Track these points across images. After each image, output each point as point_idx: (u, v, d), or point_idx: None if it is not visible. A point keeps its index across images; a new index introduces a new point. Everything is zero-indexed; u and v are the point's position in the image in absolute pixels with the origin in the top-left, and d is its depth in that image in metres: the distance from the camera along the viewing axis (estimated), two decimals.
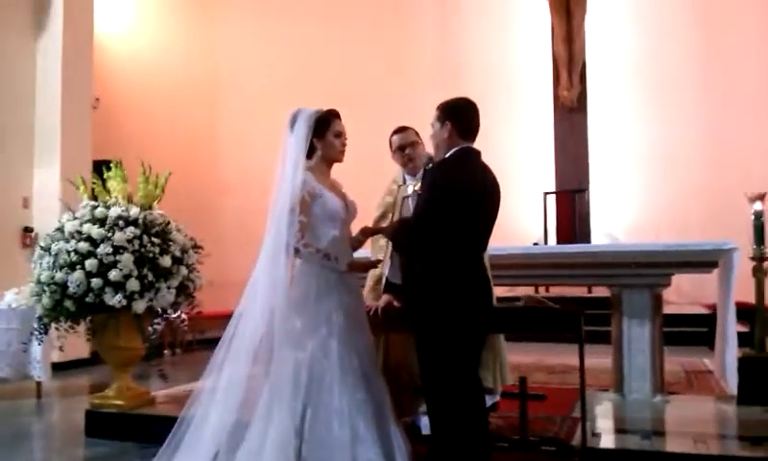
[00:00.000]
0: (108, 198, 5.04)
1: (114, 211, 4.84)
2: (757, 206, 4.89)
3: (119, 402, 4.95)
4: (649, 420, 4.56)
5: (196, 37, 10.57)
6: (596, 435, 4.09)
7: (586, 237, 9.44)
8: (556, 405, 4.50)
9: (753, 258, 4.81)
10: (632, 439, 4.10)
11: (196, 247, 5.18)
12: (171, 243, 4.96)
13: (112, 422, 4.89)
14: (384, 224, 4.16)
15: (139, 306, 4.76)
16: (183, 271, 5.00)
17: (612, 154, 10.68)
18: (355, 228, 3.71)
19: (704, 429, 4.42)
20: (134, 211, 4.92)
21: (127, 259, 4.72)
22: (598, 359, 6.47)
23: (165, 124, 9.88)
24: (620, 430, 4.30)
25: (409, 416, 4.01)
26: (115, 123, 9.07)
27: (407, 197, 4.19)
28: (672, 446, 3.96)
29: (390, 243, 4.15)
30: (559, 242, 9.13)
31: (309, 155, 3.58)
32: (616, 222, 10.48)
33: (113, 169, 5.12)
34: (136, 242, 4.80)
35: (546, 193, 9.98)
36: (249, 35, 10.77)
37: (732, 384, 4.72)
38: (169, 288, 4.89)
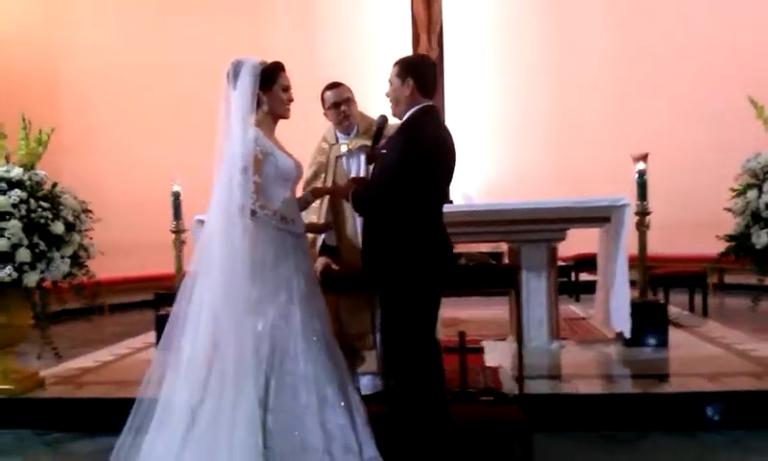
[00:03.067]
0: None
1: None
2: (640, 165, 5.35)
3: (6, 387, 4.42)
4: (558, 365, 4.91)
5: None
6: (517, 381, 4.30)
7: None
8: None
9: (637, 213, 5.27)
10: (552, 383, 4.41)
11: (86, 211, 4.69)
12: (62, 207, 4.45)
13: (1, 409, 4.35)
14: (317, 184, 4.04)
15: (31, 279, 4.25)
16: (77, 238, 4.52)
17: (467, 117, 11.09)
18: None
19: (608, 371, 4.86)
20: (17, 172, 4.35)
21: (14, 226, 4.18)
22: (483, 311, 6.86)
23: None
24: (539, 376, 4.53)
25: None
26: None
27: (340, 156, 4.09)
28: (588, 387, 4.29)
29: (323, 204, 4.07)
30: None
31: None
32: (471, 183, 10.95)
33: None
34: (23, 207, 4.25)
35: None
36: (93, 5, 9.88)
37: (621, 328, 5.17)
38: (63, 258, 4.40)
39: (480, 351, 4.04)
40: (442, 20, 10.97)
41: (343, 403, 3.21)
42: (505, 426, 3.53)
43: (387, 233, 3.15)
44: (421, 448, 3.16)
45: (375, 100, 4.06)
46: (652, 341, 5.21)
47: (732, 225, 4.29)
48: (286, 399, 3.12)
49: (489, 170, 11.09)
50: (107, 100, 9.73)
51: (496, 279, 3.94)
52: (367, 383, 4.07)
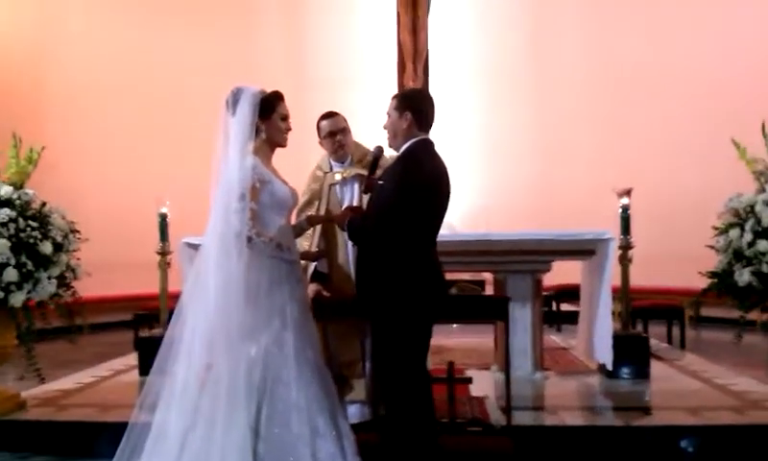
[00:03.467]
0: None
1: None
2: (624, 200, 5.46)
3: None
4: (542, 395, 4.96)
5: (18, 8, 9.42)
6: (504, 411, 4.34)
7: None
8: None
9: (620, 247, 5.37)
10: (536, 414, 4.45)
11: (74, 231, 4.67)
12: (51, 227, 4.42)
13: None
14: (311, 211, 4.06)
15: (17, 299, 4.20)
16: (64, 259, 4.49)
17: (450, 145, 11.19)
18: None
19: (592, 403, 4.92)
20: (6, 190, 4.33)
21: (2, 246, 4.14)
22: (466, 339, 6.90)
23: None
24: (523, 407, 4.55)
25: None
26: None
27: (334, 184, 4.13)
28: (572, 419, 4.34)
29: (316, 231, 4.09)
30: None
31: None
32: (454, 210, 11.03)
33: None
34: (12, 226, 4.22)
35: None
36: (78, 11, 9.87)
37: (603, 360, 5.24)
38: (50, 278, 4.37)
39: (469, 381, 4.06)
40: (427, 49, 11.13)
41: (334, 432, 3.22)
42: (494, 457, 3.56)
43: (382, 263, 3.19)
44: None
45: (362, 124, 4.13)
46: (633, 373, 5.28)
47: (711, 258, 4.40)
48: (278, 427, 3.13)
49: (471, 199, 11.17)
50: (91, 116, 9.66)
51: (487, 310, 4.00)
52: (355, 412, 4.06)
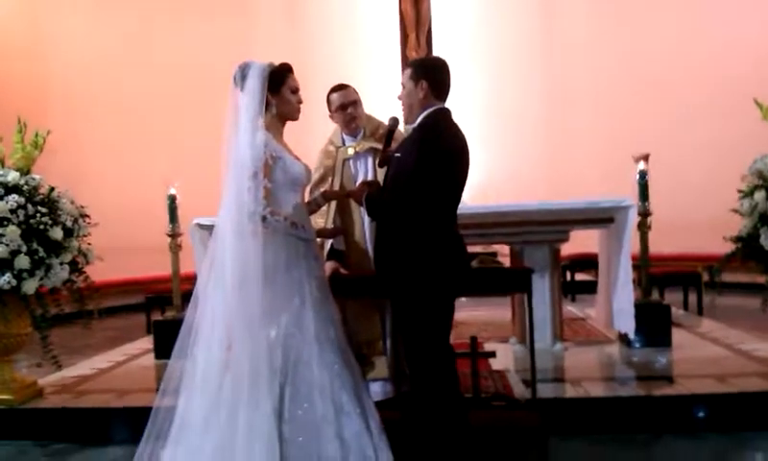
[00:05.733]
0: None
1: None
2: (641, 165, 5.34)
3: (6, 397, 4.31)
4: (562, 367, 4.90)
5: None
6: (527, 384, 4.27)
7: None
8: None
9: (639, 214, 5.27)
10: (557, 386, 4.39)
11: (84, 216, 4.59)
12: (60, 212, 4.34)
13: (1, 420, 4.24)
14: (324, 187, 3.97)
15: (30, 286, 4.14)
16: (75, 244, 4.42)
17: (457, 117, 11.04)
18: None
19: (614, 373, 4.86)
20: (13, 176, 4.24)
21: (13, 233, 4.07)
22: (481, 312, 6.83)
23: None
24: (543, 379, 4.48)
25: None
26: None
27: (348, 159, 4.03)
28: (595, 390, 4.27)
29: (331, 208, 4.00)
30: None
31: None
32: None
33: None
34: (21, 212, 4.15)
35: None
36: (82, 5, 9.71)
37: (624, 329, 5.16)
38: (62, 264, 4.30)
39: (492, 355, 3.99)
40: (430, 19, 10.95)
41: (358, 410, 3.15)
42: (520, 431, 3.50)
43: (402, 238, 3.10)
44: (439, 454, 3.11)
45: (365, 97, 4.03)
46: (655, 342, 5.20)
47: (726, 223, 4.34)
48: (301, 408, 3.06)
49: (481, 171, 11.05)
50: (96, 98, 9.57)
51: (510, 283, 3.91)
52: (377, 390, 4.00)
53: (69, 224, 4.37)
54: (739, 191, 4.20)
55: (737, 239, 4.18)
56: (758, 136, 4.57)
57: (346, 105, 3.89)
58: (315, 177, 3.99)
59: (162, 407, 2.93)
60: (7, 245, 4.04)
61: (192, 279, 3.67)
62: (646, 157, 5.33)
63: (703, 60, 9.14)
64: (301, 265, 3.23)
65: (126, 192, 9.14)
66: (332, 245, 3.92)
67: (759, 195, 4.02)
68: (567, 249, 7.60)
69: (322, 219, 3.94)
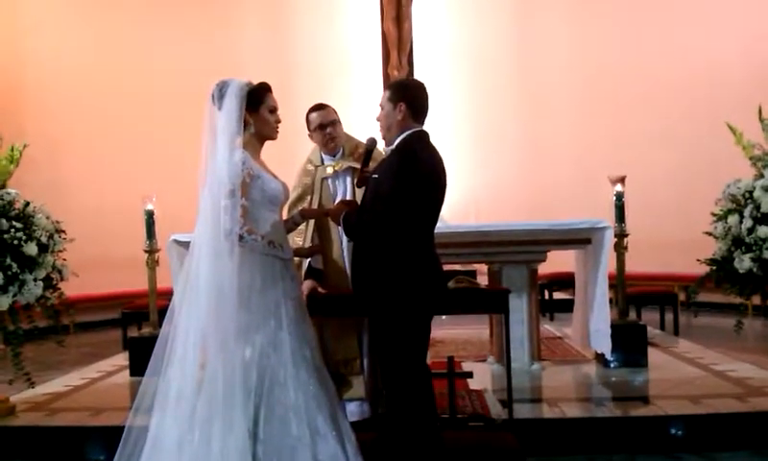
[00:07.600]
0: None
1: None
2: (618, 187, 5.40)
3: None
4: (540, 387, 4.91)
5: None
6: (504, 405, 4.27)
7: None
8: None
9: (616, 235, 5.32)
10: (535, 406, 4.40)
11: (59, 231, 4.53)
12: (35, 228, 4.29)
13: None
14: (302, 205, 3.96)
15: (3, 303, 4.09)
16: (50, 259, 4.36)
17: (436, 136, 11.06)
18: None
19: (591, 393, 4.87)
20: None
21: None
22: (458, 330, 6.83)
23: None
24: (521, 399, 4.48)
25: None
26: None
27: (326, 178, 4.03)
28: (572, 411, 4.28)
29: (309, 226, 4.00)
30: None
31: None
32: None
33: None
34: None
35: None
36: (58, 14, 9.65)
37: (600, 349, 5.18)
38: (36, 281, 4.24)
39: (469, 375, 3.99)
40: (412, 39, 11.04)
41: (334, 432, 3.14)
42: (497, 453, 3.49)
43: (379, 258, 3.10)
44: None
45: (346, 116, 4.04)
46: (631, 362, 5.24)
47: (696, 243, 4.43)
48: (277, 429, 3.04)
49: (460, 190, 11.09)
50: (71, 109, 9.43)
51: (487, 303, 3.93)
52: (354, 410, 3.98)
53: (44, 239, 4.32)
54: (713, 214, 4.25)
55: (712, 262, 4.23)
56: (732, 159, 4.66)
57: (325, 124, 3.90)
58: (293, 195, 3.99)
59: (134, 428, 2.89)
60: None
61: (169, 294, 3.63)
62: (622, 180, 5.40)
63: (680, 79, 9.27)
64: (278, 285, 3.22)
65: (103, 205, 9.04)
66: (310, 264, 3.91)
67: (733, 219, 4.07)
68: (545, 268, 7.67)
69: (300, 238, 3.94)
